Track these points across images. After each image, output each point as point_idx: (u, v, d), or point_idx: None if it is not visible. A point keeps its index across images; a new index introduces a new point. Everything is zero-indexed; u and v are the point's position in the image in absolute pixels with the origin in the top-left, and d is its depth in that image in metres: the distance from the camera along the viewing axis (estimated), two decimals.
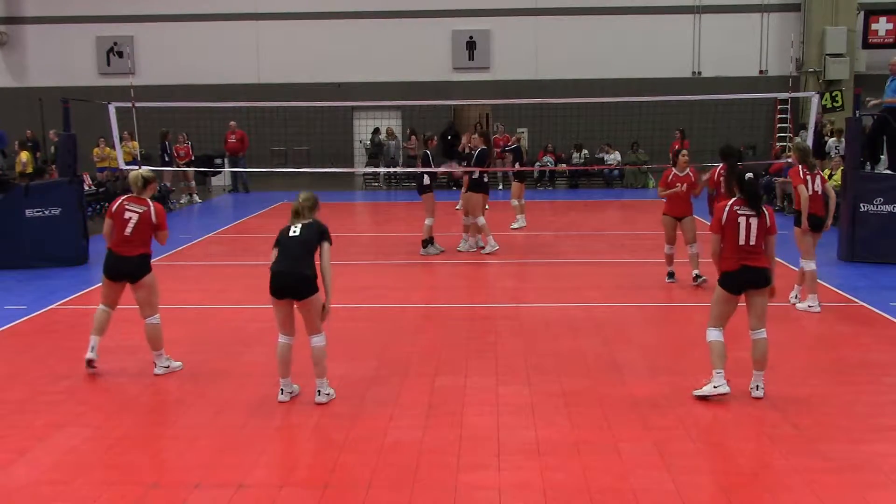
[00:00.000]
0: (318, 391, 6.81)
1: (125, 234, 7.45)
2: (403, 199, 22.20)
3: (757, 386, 6.79)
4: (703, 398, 6.74)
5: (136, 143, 20.21)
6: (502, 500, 5.16)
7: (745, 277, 6.69)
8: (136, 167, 18.28)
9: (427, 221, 13.36)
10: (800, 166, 9.57)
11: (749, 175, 7.02)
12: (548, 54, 26.43)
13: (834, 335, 9.09)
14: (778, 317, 9.51)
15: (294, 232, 6.72)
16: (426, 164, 13.62)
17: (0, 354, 8.41)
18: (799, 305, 9.80)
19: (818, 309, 9.59)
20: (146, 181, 7.68)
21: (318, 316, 6.71)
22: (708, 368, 6.77)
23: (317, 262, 6.73)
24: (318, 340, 6.77)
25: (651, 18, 26.34)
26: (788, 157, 19.19)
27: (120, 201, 7.65)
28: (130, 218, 7.49)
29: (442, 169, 14.02)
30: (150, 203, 7.66)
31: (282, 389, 6.85)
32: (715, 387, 6.70)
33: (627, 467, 5.60)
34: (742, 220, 6.72)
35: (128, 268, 7.47)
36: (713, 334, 6.82)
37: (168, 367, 7.63)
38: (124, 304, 7.85)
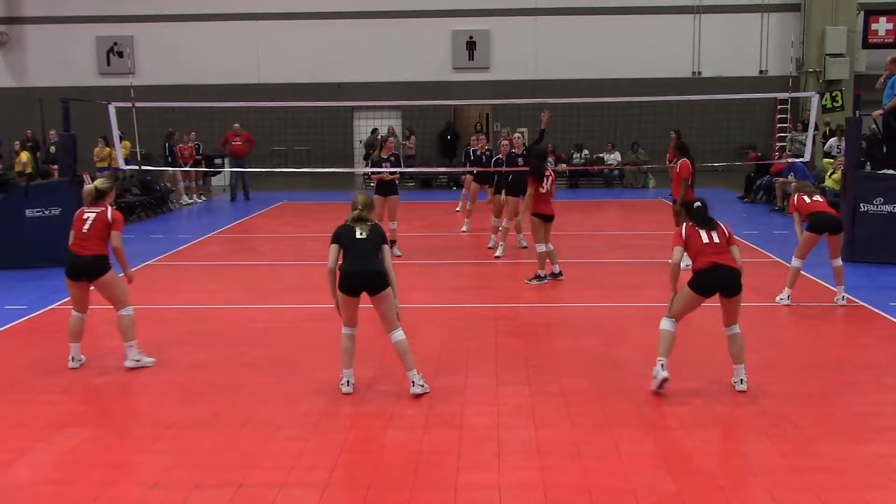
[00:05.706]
0: (413, 382, 6.91)
1: (83, 231, 7.66)
2: (403, 198, 22.11)
3: (741, 380, 6.84)
4: (660, 387, 6.81)
5: (127, 143, 20.11)
6: (502, 500, 5.16)
7: (717, 275, 6.67)
8: (136, 167, 18.44)
9: (393, 225, 13.25)
10: (796, 195, 9.95)
11: (697, 203, 7.09)
12: (547, 54, 26.44)
13: (834, 335, 9.10)
14: (778, 316, 9.55)
15: (361, 234, 6.94)
16: (396, 165, 13.44)
17: (0, 354, 8.41)
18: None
19: (787, 302, 9.87)
20: (99, 193, 7.83)
21: (393, 310, 6.88)
22: (706, 369, 6.74)
23: None
24: (398, 335, 6.91)
25: (651, 18, 26.36)
26: (788, 156, 19.27)
27: (81, 209, 7.87)
28: (88, 218, 7.72)
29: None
30: (109, 207, 7.84)
31: (347, 381, 6.99)
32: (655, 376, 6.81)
33: (627, 467, 5.60)
34: (702, 232, 6.86)
35: (82, 267, 7.61)
36: (666, 324, 6.88)
37: (139, 360, 7.72)
38: (134, 304, 7.89)
